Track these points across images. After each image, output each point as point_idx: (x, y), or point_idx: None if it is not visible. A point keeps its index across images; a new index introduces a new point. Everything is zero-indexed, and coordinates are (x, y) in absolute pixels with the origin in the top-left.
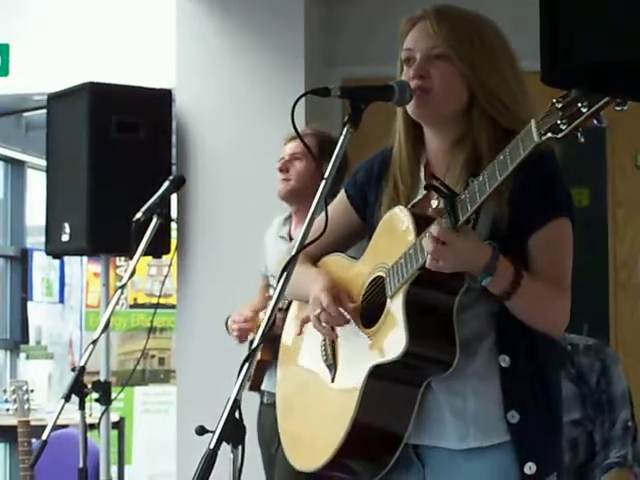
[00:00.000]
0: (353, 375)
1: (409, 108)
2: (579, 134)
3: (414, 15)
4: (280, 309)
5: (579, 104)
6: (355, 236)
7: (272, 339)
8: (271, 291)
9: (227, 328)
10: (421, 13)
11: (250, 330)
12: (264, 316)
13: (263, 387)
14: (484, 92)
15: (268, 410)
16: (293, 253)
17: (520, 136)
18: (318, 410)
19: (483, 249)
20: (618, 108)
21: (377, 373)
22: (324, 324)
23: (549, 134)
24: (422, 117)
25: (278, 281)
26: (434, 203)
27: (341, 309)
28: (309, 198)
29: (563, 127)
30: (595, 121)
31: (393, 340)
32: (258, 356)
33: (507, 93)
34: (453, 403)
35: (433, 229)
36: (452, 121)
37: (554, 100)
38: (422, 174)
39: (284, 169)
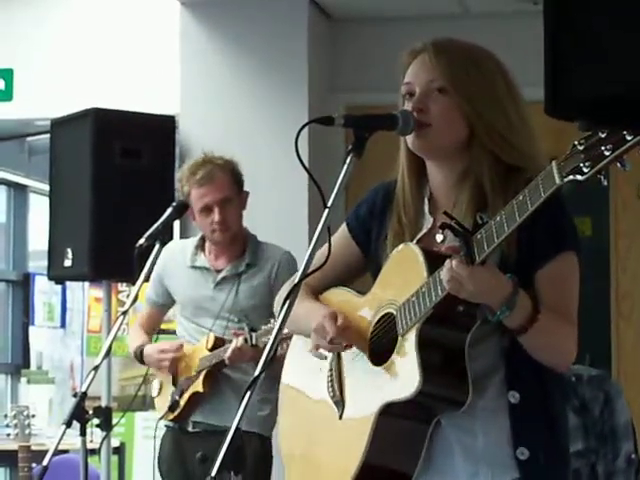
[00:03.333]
0: (362, 412)
1: (409, 142)
2: (602, 177)
3: (414, 48)
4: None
5: (602, 147)
6: (357, 271)
7: (213, 374)
8: (180, 322)
9: (139, 358)
10: (421, 46)
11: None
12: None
13: (192, 418)
14: (483, 125)
15: (191, 439)
16: (295, 282)
17: (540, 177)
18: (326, 447)
19: (504, 283)
20: None
21: (388, 411)
22: (329, 346)
23: (571, 176)
24: (422, 151)
25: (280, 311)
26: (439, 237)
27: (346, 339)
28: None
29: (586, 170)
30: (619, 164)
31: (405, 378)
32: (199, 388)
33: (506, 126)
34: (462, 440)
35: (454, 263)
36: (454, 155)
37: (576, 142)
38: (426, 207)
39: (222, 222)
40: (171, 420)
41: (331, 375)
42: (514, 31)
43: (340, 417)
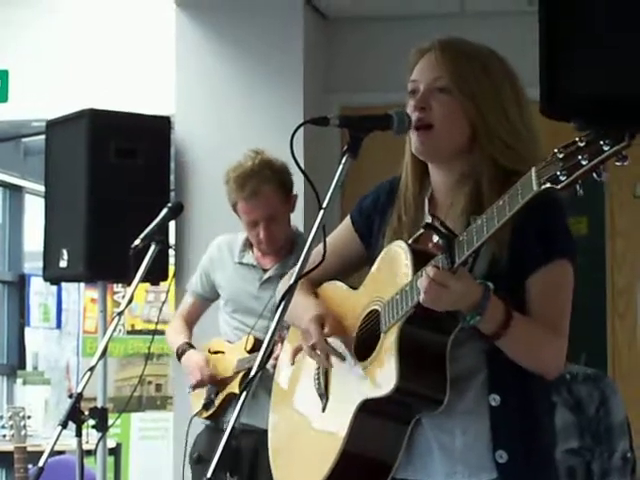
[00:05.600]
0: (343, 407)
1: (412, 146)
2: (578, 187)
3: (422, 46)
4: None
5: (580, 156)
6: (359, 262)
7: (247, 373)
8: (223, 318)
9: (178, 357)
10: (429, 45)
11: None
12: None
13: (227, 417)
14: (485, 128)
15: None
16: (291, 282)
17: (520, 183)
18: (308, 439)
19: (474, 289)
20: (618, 163)
21: (367, 407)
22: (319, 352)
23: (548, 184)
24: (425, 154)
25: (276, 310)
26: (435, 238)
27: (330, 340)
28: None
29: (563, 178)
30: (595, 175)
31: (384, 376)
32: (236, 389)
33: (509, 131)
34: (441, 440)
35: (429, 270)
36: (455, 158)
37: (556, 150)
38: (427, 208)
39: (268, 238)
40: (206, 418)
41: (318, 368)
42: (510, 31)
43: (323, 410)
